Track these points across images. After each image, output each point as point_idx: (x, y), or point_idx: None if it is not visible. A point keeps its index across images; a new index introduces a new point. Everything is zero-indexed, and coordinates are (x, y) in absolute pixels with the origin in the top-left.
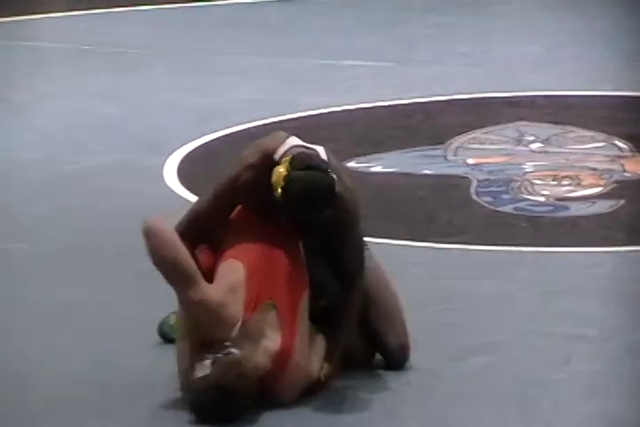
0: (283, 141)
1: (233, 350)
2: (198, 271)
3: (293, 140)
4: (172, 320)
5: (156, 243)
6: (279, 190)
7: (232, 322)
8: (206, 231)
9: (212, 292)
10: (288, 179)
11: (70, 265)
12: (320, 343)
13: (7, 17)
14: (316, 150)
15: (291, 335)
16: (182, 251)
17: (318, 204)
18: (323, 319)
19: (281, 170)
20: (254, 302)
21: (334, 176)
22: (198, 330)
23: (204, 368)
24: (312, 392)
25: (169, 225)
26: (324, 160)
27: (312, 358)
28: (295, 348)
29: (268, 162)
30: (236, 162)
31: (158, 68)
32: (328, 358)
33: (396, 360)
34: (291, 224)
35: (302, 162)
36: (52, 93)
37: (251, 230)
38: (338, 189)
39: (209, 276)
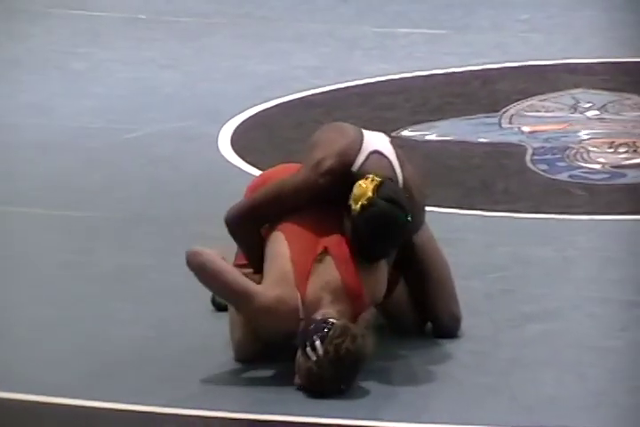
0: (359, 147)
1: (330, 319)
2: (248, 282)
3: (369, 145)
4: None
5: (203, 278)
6: (358, 206)
7: (294, 311)
8: (264, 221)
9: (265, 295)
10: (371, 202)
11: (127, 232)
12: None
13: None
14: (389, 159)
15: (349, 263)
16: (227, 274)
17: (386, 240)
18: None
19: (365, 187)
20: (305, 269)
21: (410, 215)
22: (268, 332)
23: (317, 350)
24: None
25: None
26: (405, 197)
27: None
28: (359, 276)
29: (346, 171)
30: (310, 165)
31: (216, 36)
32: None
33: (447, 330)
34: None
35: (389, 192)
36: (111, 61)
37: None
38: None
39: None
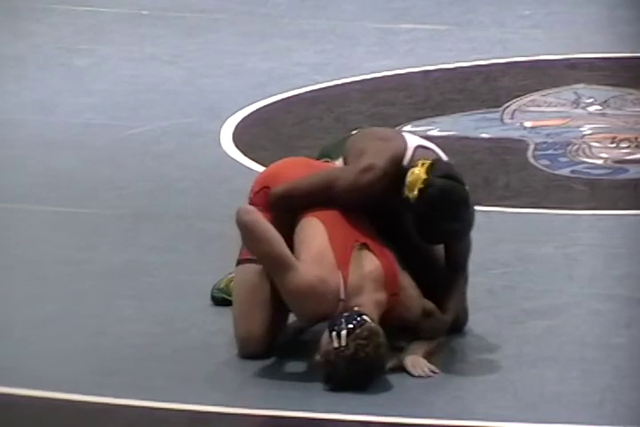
0: (405, 145)
1: (365, 315)
2: (291, 257)
3: (412, 141)
4: (222, 284)
5: (250, 238)
6: (415, 192)
7: (335, 291)
8: (300, 206)
9: (307, 273)
10: (428, 183)
11: (132, 228)
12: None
13: None
14: (434, 150)
15: (389, 258)
16: (274, 242)
17: (451, 215)
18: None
19: (418, 172)
20: (346, 255)
21: (468, 190)
22: (305, 310)
23: (341, 339)
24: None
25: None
26: (459, 172)
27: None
28: (398, 269)
29: (398, 169)
30: (361, 168)
31: (219, 32)
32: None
33: (455, 324)
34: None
35: (443, 169)
36: (114, 58)
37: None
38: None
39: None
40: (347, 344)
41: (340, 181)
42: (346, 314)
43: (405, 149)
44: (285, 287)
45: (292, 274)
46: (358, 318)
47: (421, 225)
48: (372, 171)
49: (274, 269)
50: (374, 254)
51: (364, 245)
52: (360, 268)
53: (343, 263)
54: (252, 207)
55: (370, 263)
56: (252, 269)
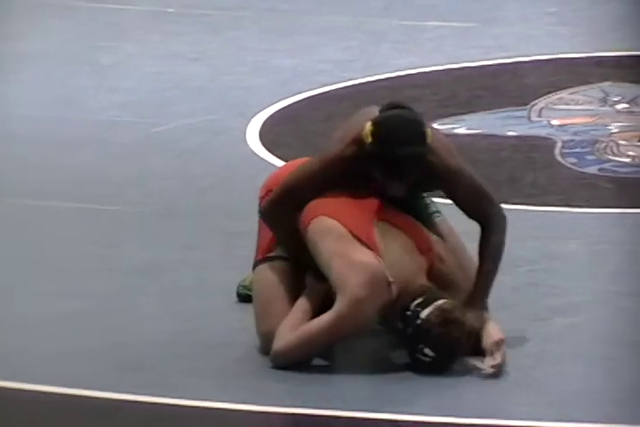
0: (375, 113)
1: (420, 312)
2: (319, 320)
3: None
4: (247, 281)
5: (301, 359)
6: (369, 137)
7: (382, 286)
8: (298, 204)
9: (342, 310)
10: (378, 119)
11: (156, 226)
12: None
13: None
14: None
15: (409, 221)
16: (312, 341)
17: (409, 138)
18: None
19: (370, 121)
20: (370, 236)
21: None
22: (374, 310)
23: (428, 354)
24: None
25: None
26: (410, 107)
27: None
28: (421, 226)
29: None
30: (337, 141)
31: (243, 30)
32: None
33: None
34: (386, 182)
35: (390, 104)
36: (138, 55)
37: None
38: (429, 132)
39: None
40: (437, 353)
41: (316, 163)
42: (409, 332)
43: (372, 112)
44: (329, 333)
45: (333, 327)
46: (419, 323)
47: (384, 166)
48: (342, 141)
49: (335, 335)
50: (395, 226)
51: (382, 221)
52: (389, 244)
53: (372, 244)
54: (273, 351)
55: (397, 238)
56: (270, 268)
